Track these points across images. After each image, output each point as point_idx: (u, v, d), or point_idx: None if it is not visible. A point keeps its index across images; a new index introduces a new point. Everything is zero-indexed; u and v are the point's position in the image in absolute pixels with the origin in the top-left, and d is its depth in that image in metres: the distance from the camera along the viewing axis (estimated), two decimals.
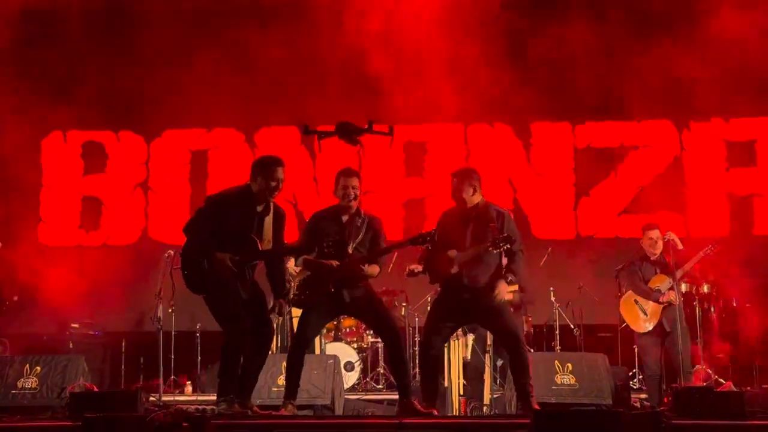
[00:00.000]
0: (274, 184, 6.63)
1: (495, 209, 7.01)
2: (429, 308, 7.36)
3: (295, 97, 11.61)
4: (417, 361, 10.40)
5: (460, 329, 8.33)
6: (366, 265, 6.84)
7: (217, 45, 11.54)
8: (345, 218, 6.94)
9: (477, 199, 7.02)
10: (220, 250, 6.50)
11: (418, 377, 10.20)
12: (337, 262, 6.76)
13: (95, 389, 8.17)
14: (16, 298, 10.38)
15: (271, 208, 6.75)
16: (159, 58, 11.74)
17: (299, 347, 6.97)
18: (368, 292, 6.97)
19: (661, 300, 8.62)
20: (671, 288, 8.58)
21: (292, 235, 11.49)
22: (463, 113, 11.40)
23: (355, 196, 6.89)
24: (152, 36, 11.68)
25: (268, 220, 6.70)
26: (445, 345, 8.03)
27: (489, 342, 8.86)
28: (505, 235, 6.67)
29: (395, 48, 11.18)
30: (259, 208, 6.68)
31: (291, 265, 10.20)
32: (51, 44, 11.77)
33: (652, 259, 8.85)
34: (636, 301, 8.85)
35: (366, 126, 6.61)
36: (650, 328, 8.69)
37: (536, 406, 6.63)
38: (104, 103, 11.78)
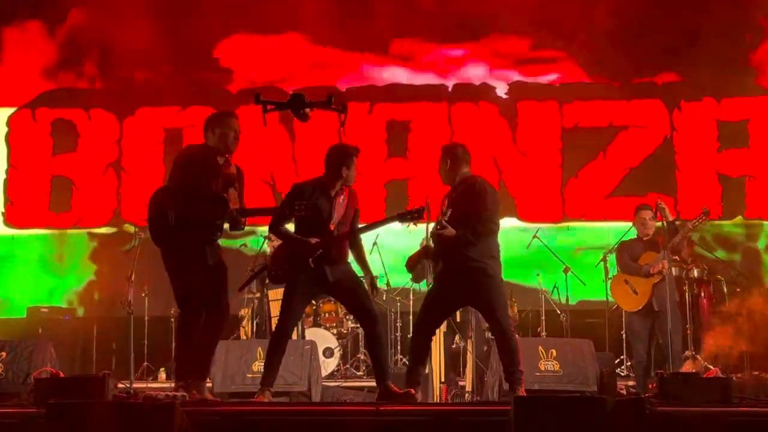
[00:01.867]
0: (232, 134, 6.45)
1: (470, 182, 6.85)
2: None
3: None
4: (398, 347, 10.29)
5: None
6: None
7: (194, 21, 11.36)
8: (332, 193, 6.65)
9: (457, 175, 6.86)
10: (189, 207, 6.27)
11: (399, 363, 10.10)
12: (317, 240, 6.50)
13: (61, 375, 7.91)
14: None
15: (231, 163, 6.55)
16: (134, 32, 11.32)
17: (282, 331, 6.71)
18: (351, 272, 6.76)
19: (651, 272, 8.49)
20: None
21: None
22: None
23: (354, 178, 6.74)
24: (126, 11, 11.38)
25: (231, 172, 6.50)
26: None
27: (472, 327, 8.63)
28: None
29: None
30: (221, 160, 6.45)
31: (273, 246, 9.96)
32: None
33: (644, 240, 8.73)
34: (626, 281, 8.72)
35: (326, 99, 6.28)
36: (640, 307, 8.56)
37: (524, 393, 6.48)
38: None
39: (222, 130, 6.44)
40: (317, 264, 6.52)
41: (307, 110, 6.25)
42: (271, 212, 6.82)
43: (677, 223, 8.70)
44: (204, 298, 6.45)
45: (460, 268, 6.68)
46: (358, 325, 10.31)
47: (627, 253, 8.76)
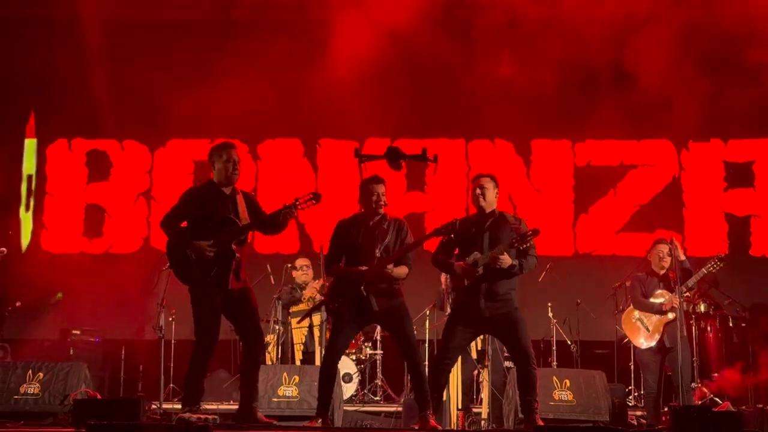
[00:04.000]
0: (231, 166, 6.80)
1: (512, 216, 7.21)
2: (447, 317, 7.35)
3: (300, 110, 11.72)
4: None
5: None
6: (392, 266, 6.82)
7: (224, 56, 11.65)
8: (370, 223, 6.95)
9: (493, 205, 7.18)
10: (198, 239, 6.69)
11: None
12: (365, 268, 6.76)
13: (98, 396, 8.22)
14: (18, 304, 10.43)
15: (239, 191, 6.94)
16: (165, 67, 11.84)
17: (330, 359, 6.99)
18: (398, 304, 6.95)
19: (664, 308, 8.57)
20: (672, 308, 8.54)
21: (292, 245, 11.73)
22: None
23: (384, 202, 6.93)
24: (159, 46, 11.89)
25: (240, 200, 6.87)
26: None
27: (488, 356, 8.91)
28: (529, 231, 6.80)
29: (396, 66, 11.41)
30: (227, 191, 6.87)
31: (297, 275, 10.32)
32: (57, 51, 11.81)
33: (660, 274, 8.80)
34: (639, 318, 8.85)
35: (420, 153, 6.65)
36: (652, 345, 8.65)
37: (540, 422, 6.70)
38: (109, 111, 11.81)
39: (220, 164, 6.86)
40: (365, 292, 6.78)
41: (402, 162, 6.61)
42: (277, 215, 6.89)
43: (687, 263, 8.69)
44: (238, 333, 6.95)
45: (491, 298, 6.97)
46: (377, 352, 10.68)
47: (640, 289, 8.82)
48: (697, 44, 11.46)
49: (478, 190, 7.16)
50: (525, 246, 6.92)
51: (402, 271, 6.90)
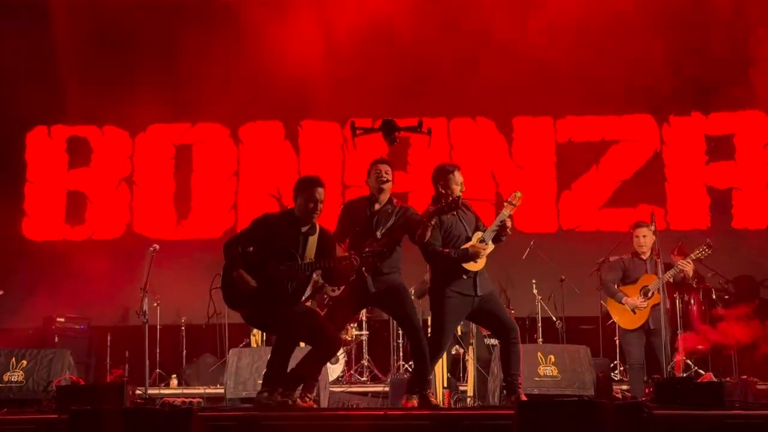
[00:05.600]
0: (312, 205, 6.55)
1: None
2: (435, 302, 7.12)
3: (280, 92, 11.67)
4: (400, 353, 10.59)
5: None
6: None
7: (202, 39, 11.60)
8: (376, 206, 6.94)
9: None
10: (254, 268, 6.50)
11: (401, 368, 10.43)
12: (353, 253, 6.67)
13: (82, 383, 8.22)
14: (1, 292, 10.39)
15: (317, 229, 6.67)
16: (144, 52, 11.82)
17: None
18: (395, 283, 6.91)
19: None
20: (657, 290, 8.44)
21: None
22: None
23: (388, 180, 6.90)
24: (137, 30, 11.79)
25: (312, 240, 6.62)
26: None
27: (473, 335, 8.97)
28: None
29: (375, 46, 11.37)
30: (304, 229, 6.63)
31: None
32: (35, 38, 11.75)
33: (643, 257, 8.77)
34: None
35: (416, 124, 6.59)
36: (637, 326, 8.59)
37: (524, 398, 6.72)
38: (89, 97, 11.74)
39: (303, 202, 6.60)
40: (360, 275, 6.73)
41: (396, 134, 6.56)
42: (346, 259, 6.65)
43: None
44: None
45: (485, 277, 7.00)
46: (362, 332, 10.70)
47: (620, 273, 8.78)
48: (677, 16, 11.56)
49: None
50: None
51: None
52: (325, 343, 6.58)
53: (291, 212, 6.70)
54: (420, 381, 6.85)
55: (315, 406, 6.94)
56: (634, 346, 8.67)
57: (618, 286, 8.76)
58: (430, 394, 6.86)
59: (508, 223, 6.94)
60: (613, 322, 9.17)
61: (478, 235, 6.94)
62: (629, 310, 8.62)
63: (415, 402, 6.81)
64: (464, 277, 6.88)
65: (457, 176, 6.96)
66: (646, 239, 8.70)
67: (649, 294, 8.52)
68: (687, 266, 8.58)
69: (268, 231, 6.61)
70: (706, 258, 8.87)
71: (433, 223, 6.77)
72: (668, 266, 8.52)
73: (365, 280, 6.77)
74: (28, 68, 11.76)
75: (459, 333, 9.28)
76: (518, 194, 7.05)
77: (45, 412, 6.70)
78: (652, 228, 8.52)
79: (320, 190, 6.58)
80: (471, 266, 6.86)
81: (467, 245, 6.89)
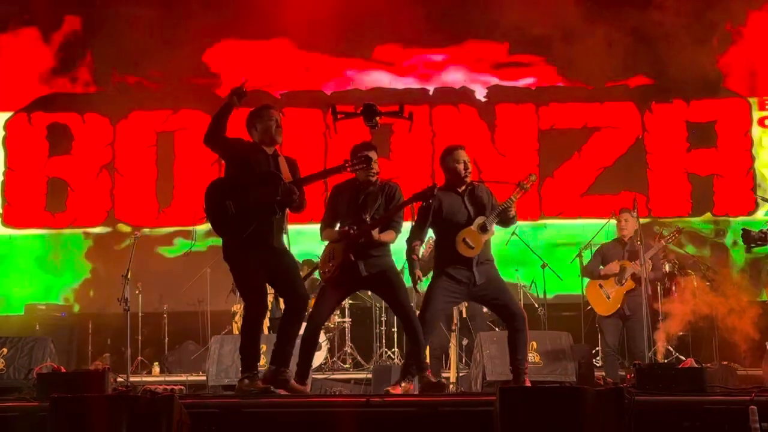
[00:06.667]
0: (273, 123, 6.44)
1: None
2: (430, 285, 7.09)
3: (262, 77, 11.65)
4: (383, 341, 10.60)
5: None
6: (377, 232, 6.70)
7: (180, 23, 11.58)
8: (362, 188, 6.85)
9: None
10: (245, 192, 6.32)
11: (384, 356, 10.44)
12: (346, 228, 6.66)
13: (63, 370, 8.18)
14: None
15: (280, 153, 6.55)
16: (127, 36, 11.74)
17: (313, 325, 6.85)
18: (387, 267, 6.85)
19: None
20: (632, 276, 8.72)
21: None
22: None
23: (377, 170, 6.82)
24: (120, 14, 11.71)
25: (282, 161, 6.52)
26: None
27: (455, 321, 8.97)
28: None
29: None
30: (269, 151, 6.50)
31: None
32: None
33: (624, 240, 8.99)
34: (600, 285, 8.98)
35: (397, 109, 6.54)
36: (612, 312, 8.82)
37: (528, 383, 6.72)
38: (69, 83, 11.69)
39: (263, 124, 6.46)
40: (354, 257, 6.66)
41: (377, 119, 6.49)
42: (322, 176, 6.87)
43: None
44: (279, 290, 6.72)
45: (487, 260, 7.02)
46: (345, 320, 10.69)
47: (601, 257, 9.03)
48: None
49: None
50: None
51: (389, 236, 6.79)
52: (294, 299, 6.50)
53: (253, 144, 6.51)
54: (417, 363, 6.78)
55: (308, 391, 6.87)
56: (609, 332, 8.89)
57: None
58: (429, 374, 6.80)
59: (512, 212, 6.97)
60: (591, 309, 9.26)
61: (480, 220, 6.94)
62: (604, 296, 8.81)
63: (400, 389, 6.74)
64: (459, 266, 6.88)
65: (459, 154, 6.95)
66: (627, 223, 8.91)
67: (623, 281, 8.71)
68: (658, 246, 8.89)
69: (241, 157, 6.41)
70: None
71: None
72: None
73: (356, 264, 6.71)
74: (10, 52, 11.75)
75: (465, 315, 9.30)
76: (533, 177, 7.09)
77: (26, 399, 6.65)
78: (634, 214, 8.72)
79: (272, 110, 6.53)
80: (466, 252, 6.86)
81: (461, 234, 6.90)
